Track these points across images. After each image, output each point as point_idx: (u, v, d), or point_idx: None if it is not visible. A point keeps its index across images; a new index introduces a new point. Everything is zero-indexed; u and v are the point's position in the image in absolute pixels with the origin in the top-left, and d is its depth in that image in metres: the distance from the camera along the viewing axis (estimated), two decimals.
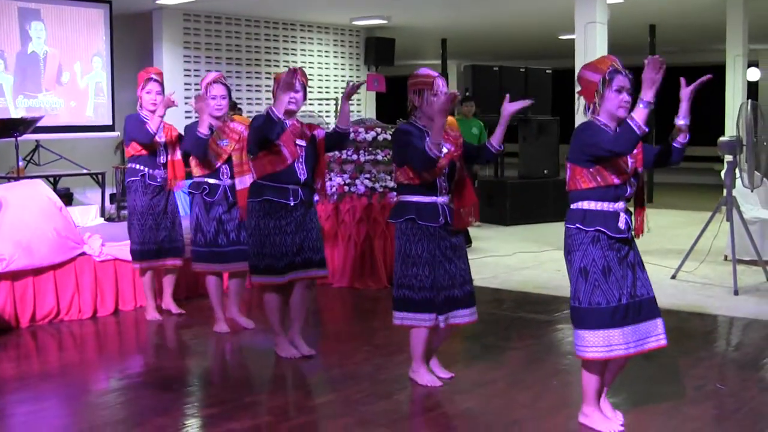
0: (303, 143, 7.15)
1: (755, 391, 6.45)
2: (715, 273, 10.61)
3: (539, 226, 15.15)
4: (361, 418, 5.89)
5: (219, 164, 7.95)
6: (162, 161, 8.50)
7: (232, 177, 7.93)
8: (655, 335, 5.52)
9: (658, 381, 6.43)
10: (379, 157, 10.19)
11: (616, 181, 5.35)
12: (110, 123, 15.15)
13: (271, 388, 6.73)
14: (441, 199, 6.31)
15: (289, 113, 7.09)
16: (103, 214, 12.74)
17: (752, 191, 10.82)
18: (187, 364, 7.53)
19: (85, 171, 13.78)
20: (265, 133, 6.84)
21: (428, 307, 6.29)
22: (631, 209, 5.58)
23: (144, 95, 8.43)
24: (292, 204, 7.08)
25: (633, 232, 5.53)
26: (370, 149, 10.31)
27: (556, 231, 13.99)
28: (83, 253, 8.72)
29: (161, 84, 8.52)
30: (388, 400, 6.24)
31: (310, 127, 7.33)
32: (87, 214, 11.41)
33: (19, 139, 12.33)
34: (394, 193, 10.02)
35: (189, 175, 8.49)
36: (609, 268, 5.36)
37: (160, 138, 8.44)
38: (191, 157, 8.05)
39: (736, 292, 9.61)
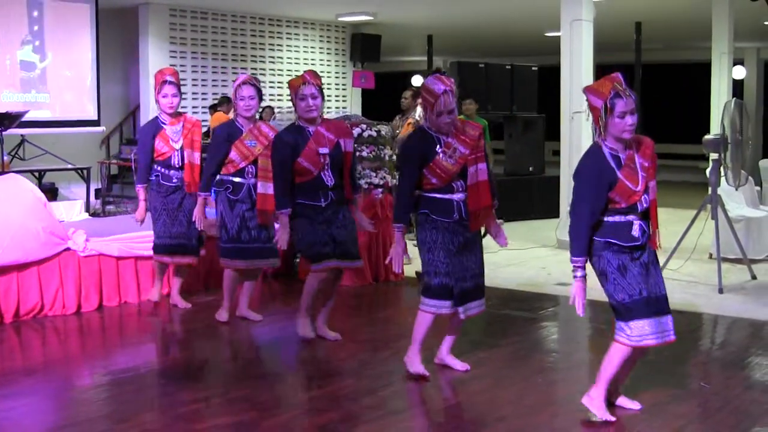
0: (326, 150, 7.23)
1: (740, 389, 6.46)
2: (700, 271, 10.62)
3: (525, 223, 15.13)
4: (346, 414, 5.89)
5: (245, 164, 7.99)
6: (177, 164, 8.55)
7: (256, 176, 7.94)
8: (668, 330, 5.64)
9: (643, 379, 6.43)
10: (364, 154, 10.17)
11: (624, 205, 5.51)
12: (95, 118, 15.10)
13: (256, 383, 6.71)
14: (457, 196, 6.39)
15: (311, 120, 7.25)
16: (88, 209, 12.70)
17: (736, 189, 10.84)
18: (174, 359, 7.53)
19: (70, 166, 13.75)
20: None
21: (445, 294, 6.39)
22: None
23: (161, 99, 8.53)
24: (323, 205, 7.26)
25: (648, 239, 5.60)
26: (355, 146, 10.27)
27: (541, 228, 14.07)
28: (67, 249, 8.69)
29: (177, 85, 8.57)
30: (374, 396, 6.24)
31: (336, 131, 7.39)
32: (72, 209, 11.36)
33: (4, 133, 12.29)
34: (379, 190, 10.04)
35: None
36: (624, 267, 5.52)
37: (176, 142, 8.52)
38: None
39: (720, 291, 9.63)
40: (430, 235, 6.39)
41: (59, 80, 14.77)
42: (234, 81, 8.21)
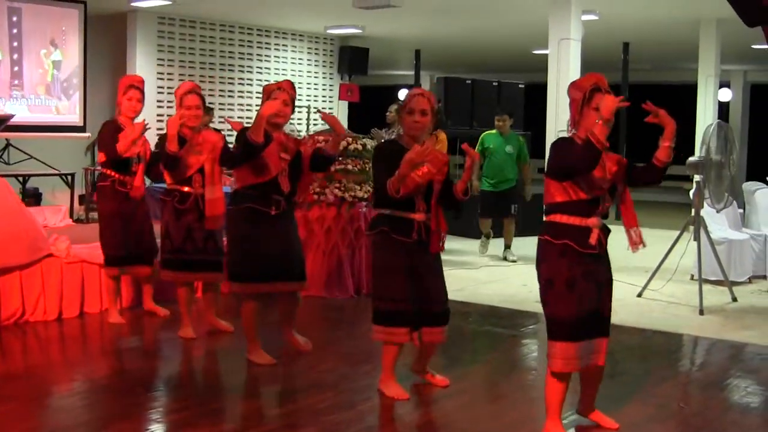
0: (287, 156, 7.11)
1: (718, 411, 6.47)
2: (682, 292, 10.65)
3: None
4: (324, 428, 5.87)
5: (191, 173, 7.89)
6: (134, 169, 8.46)
7: (204, 186, 7.88)
8: (596, 352, 5.55)
9: (621, 399, 6.44)
10: (350, 167, 10.17)
11: (588, 196, 5.39)
12: (81, 124, 15.07)
13: (235, 395, 6.71)
14: (418, 216, 6.26)
15: (276, 126, 7.07)
16: (72, 215, 12.68)
17: (717, 212, 10.87)
18: (153, 369, 7.50)
19: (54, 171, 13.72)
20: (246, 158, 6.83)
21: (402, 320, 6.27)
22: (613, 225, 5.62)
23: (125, 101, 8.42)
24: (273, 213, 7.04)
25: (604, 248, 5.56)
26: (340, 159, 10.27)
27: (524, 245, 14.05)
28: (50, 255, 8.67)
29: (142, 92, 8.51)
30: (351, 411, 6.23)
31: (295, 142, 7.30)
32: (56, 215, 11.36)
33: None
34: (364, 203, 10.03)
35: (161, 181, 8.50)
36: (573, 281, 5.39)
37: (136, 147, 8.41)
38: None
39: (701, 312, 9.65)
40: (388, 257, 6.28)
41: (46, 85, 14.73)
42: (177, 88, 8.12)
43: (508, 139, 13.09)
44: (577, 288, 5.40)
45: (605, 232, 5.51)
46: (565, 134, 11.50)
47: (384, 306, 6.32)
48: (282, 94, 7.08)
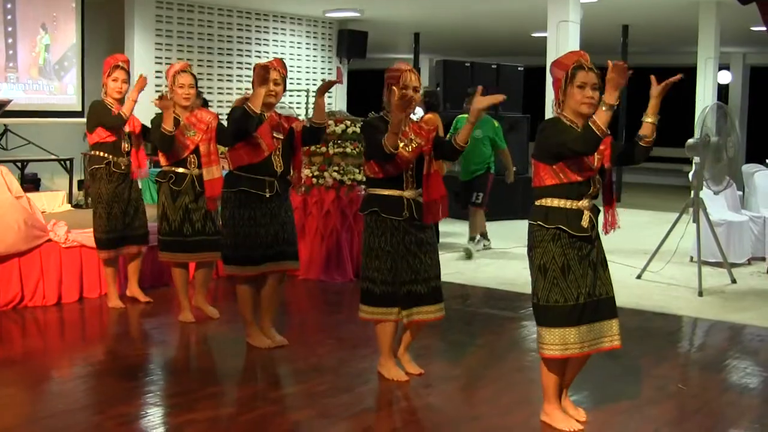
0: (280, 136, 7.12)
1: (717, 392, 6.49)
2: (681, 274, 10.65)
3: (507, 222, 15.13)
4: (323, 411, 5.89)
5: (186, 154, 7.89)
6: (126, 149, 8.47)
7: (199, 167, 7.88)
8: (609, 336, 5.52)
9: (620, 380, 6.45)
10: (348, 150, 10.17)
11: (579, 178, 5.36)
12: (80, 109, 15.04)
13: (233, 379, 6.72)
14: (407, 193, 6.27)
15: (268, 106, 7.07)
16: (70, 200, 12.66)
17: (715, 194, 10.87)
18: (151, 353, 7.50)
19: (53, 157, 13.71)
20: (242, 127, 6.82)
21: (390, 301, 6.30)
22: (601, 207, 5.59)
23: (110, 82, 8.39)
24: (267, 196, 7.06)
25: (599, 230, 5.54)
26: (339, 142, 10.28)
27: (523, 228, 13.93)
28: (49, 240, 8.67)
29: (128, 72, 8.48)
30: (351, 393, 6.25)
31: (288, 120, 7.30)
32: (54, 200, 11.35)
33: None
34: (362, 187, 10.02)
35: (156, 164, 8.47)
36: (568, 266, 5.37)
37: (126, 127, 8.41)
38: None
39: (700, 294, 9.67)
40: (379, 241, 6.29)
41: (44, 71, 14.70)
42: (169, 68, 8.12)
43: (482, 123, 12.14)
44: (572, 273, 5.38)
45: (595, 213, 5.48)
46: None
47: (372, 287, 6.35)
48: (273, 73, 7.04)
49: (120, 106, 8.31)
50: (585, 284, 5.40)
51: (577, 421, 5.66)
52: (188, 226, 7.98)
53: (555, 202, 5.39)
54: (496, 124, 12.65)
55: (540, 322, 5.48)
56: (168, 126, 7.59)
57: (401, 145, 6.10)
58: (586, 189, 5.40)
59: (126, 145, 8.46)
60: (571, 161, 5.32)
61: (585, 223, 5.37)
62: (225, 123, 7.37)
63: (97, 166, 8.44)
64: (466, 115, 6.28)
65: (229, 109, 7.08)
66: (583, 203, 5.40)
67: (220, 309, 8.43)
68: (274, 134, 7.07)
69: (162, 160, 8.00)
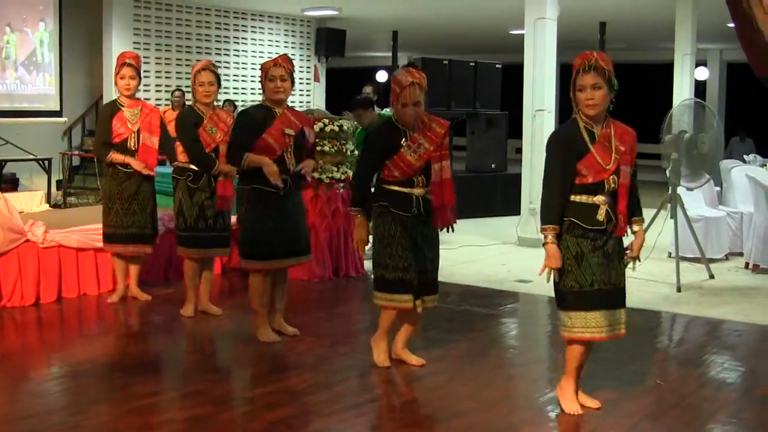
0: (292, 132, 7.20)
1: (694, 386, 6.52)
2: (659, 269, 10.68)
3: (486, 220, 15.16)
4: (302, 409, 5.90)
5: (207, 152, 7.97)
6: (133, 147, 8.48)
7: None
8: (619, 323, 5.72)
9: (598, 376, 6.46)
10: (326, 149, 10.14)
11: (592, 180, 5.52)
12: (58, 109, 15.01)
13: (213, 377, 6.71)
14: (417, 191, 6.45)
15: (278, 102, 7.21)
16: (49, 200, 12.65)
17: (688, 191, 10.91)
18: (132, 352, 7.48)
19: (31, 157, 13.68)
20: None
21: (404, 288, 6.43)
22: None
23: (118, 80, 8.49)
24: (281, 193, 7.15)
25: (613, 223, 5.61)
26: (317, 140, 10.25)
27: (502, 225, 14.11)
28: (26, 240, 8.63)
29: (136, 68, 8.49)
30: (329, 391, 6.25)
31: (300, 118, 7.39)
32: (32, 200, 11.33)
33: None
34: (341, 185, 10.03)
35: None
36: (582, 255, 5.56)
37: (134, 124, 8.46)
38: (177, 143, 8.17)
39: (678, 289, 9.71)
40: (388, 228, 6.44)
41: (22, 70, 14.66)
42: (193, 66, 8.20)
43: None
44: (586, 260, 5.56)
45: (613, 207, 5.60)
46: (544, 114, 11.58)
47: (387, 274, 6.48)
48: (278, 70, 7.17)
49: (132, 103, 8.49)
50: (599, 272, 5.58)
51: (593, 408, 5.88)
52: (203, 222, 8.08)
53: (573, 198, 5.56)
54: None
55: (560, 306, 5.73)
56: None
57: (407, 151, 6.34)
58: (601, 187, 5.54)
59: (134, 143, 8.46)
60: (583, 166, 5.52)
61: (601, 216, 5.55)
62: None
63: (106, 164, 8.54)
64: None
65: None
66: (599, 198, 5.55)
67: (222, 304, 8.58)
68: (285, 131, 7.15)
69: (180, 156, 8.14)
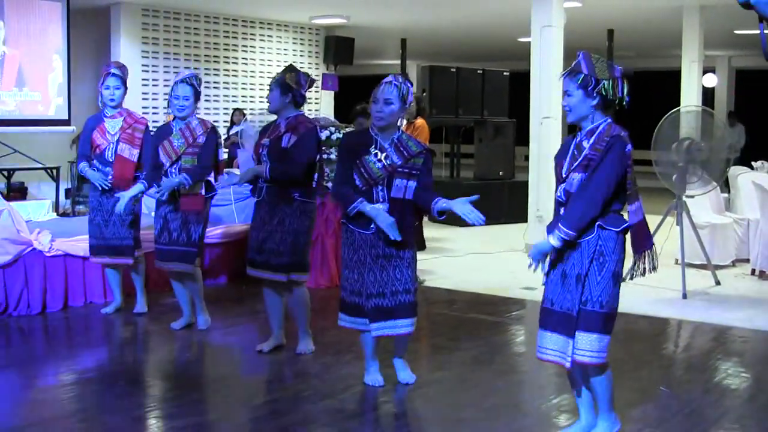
0: (266, 141, 7.12)
1: (699, 392, 6.52)
2: (666, 276, 10.63)
3: (494, 227, 15.14)
4: (305, 417, 5.90)
5: (168, 164, 7.85)
6: (111, 158, 8.38)
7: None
8: (561, 352, 5.50)
9: None
10: (332, 156, 10.17)
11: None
12: (66, 117, 15.03)
13: (219, 385, 6.73)
14: (377, 207, 6.14)
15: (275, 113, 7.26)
16: (57, 209, 12.68)
17: (685, 197, 10.89)
18: (138, 361, 7.52)
19: (39, 165, 13.72)
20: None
21: (358, 312, 6.28)
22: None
23: (102, 90, 8.43)
24: (257, 199, 7.18)
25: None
26: (323, 148, 10.27)
27: (510, 233, 14.11)
28: (33, 249, 8.65)
29: (121, 78, 8.42)
30: (333, 399, 6.26)
31: (287, 126, 7.15)
32: (40, 208, 11.36)
33: None
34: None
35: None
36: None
37: (113, 135, 8.38)
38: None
39: (684, 296, 9.70)
40: (348, 251, 6.29)
41: (34, 84, 14.69)
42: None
43: None
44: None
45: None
46: (550, 120, 11.50)
47: (344, 295, 6.38)
48: None
49: (115, 114, 8.43)
50: (554, 292, 5.51)
51: None
52: (166, 235, 7.94)
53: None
54: None
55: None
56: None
57: (372, 159, 6.16)
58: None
59: (112, 154, 8.36)
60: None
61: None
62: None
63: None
64: None
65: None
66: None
67: (217, 314, 8.52)
68: (263, 141, 7.13)
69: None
